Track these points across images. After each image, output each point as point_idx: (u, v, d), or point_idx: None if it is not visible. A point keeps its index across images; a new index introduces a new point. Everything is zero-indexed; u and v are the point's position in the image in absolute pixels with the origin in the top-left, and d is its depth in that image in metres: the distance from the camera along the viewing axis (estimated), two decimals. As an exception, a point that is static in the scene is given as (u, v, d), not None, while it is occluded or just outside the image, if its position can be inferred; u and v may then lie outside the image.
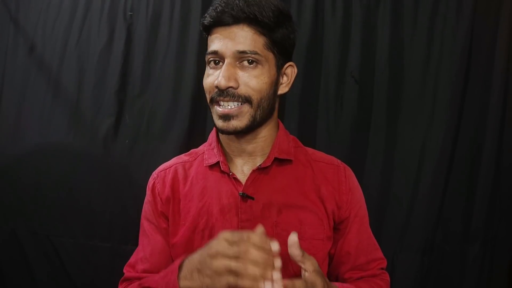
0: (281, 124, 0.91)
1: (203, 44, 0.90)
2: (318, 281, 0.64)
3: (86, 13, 1.38)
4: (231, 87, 0.77)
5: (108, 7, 1.37)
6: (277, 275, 0.61)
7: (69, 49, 1.38)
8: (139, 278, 0.86)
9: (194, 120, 1.36)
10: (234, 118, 0.79)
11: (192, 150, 0.94)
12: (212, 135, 0.91)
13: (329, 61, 1.34)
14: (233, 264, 0.61)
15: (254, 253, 0.61)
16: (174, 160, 0.93)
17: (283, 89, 0.87)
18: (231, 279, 0.61)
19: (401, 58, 1.33)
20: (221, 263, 0.62)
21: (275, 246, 0.63)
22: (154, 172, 0.92)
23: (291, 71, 0.87)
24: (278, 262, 0.63)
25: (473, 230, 1.34)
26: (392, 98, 1.33)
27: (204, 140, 0.94)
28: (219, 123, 0.80)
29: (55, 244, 1.36)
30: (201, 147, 0.94)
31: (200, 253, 0.68)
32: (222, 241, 0.64)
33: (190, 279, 0.68)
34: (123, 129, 1.37)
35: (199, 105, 1.36)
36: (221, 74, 0.77)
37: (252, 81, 0.78)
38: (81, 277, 1.36)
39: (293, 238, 0.65)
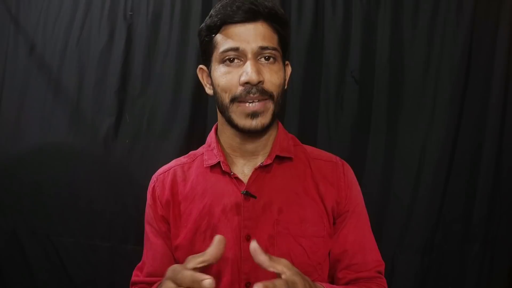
0: (280, 123, 0.91)
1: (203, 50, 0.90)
2: (298, 280, 0.61)
3: (86, 13, 1.38)
4: (260, 81, 0.77)
5: (108, 7, 1.37)
6: None
7: (70, 49, 1.38)
8: (144, 283, 0.88)
9: (194, 120, 1.36)
10: (261, 115, 0.79)
11: (190, 152, 0.94)
12: (211, 136, 0.90)
13: (329, 61, 1.34)
14: None
15: None
16: (173, 163, 0.93)
17: None
18: None
19: (402, 58, 1.33)
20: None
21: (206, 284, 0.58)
22: (153, 175, 0.92)
23: (287, 70, 0.89)
24: None
25: (473, 230, 1.34)
26: (392, 98, 1.33)
27: (204, 139, 0.94)
28: (246, 122, 0.79)
29: (55, 244, 1.36)
30: (199, 149, 0.93)
31: (171, 275, 0.66)
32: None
33: None
34: (123, 128, 1.37)
35: (199, 105, 1.36)
36: (250, 70, 0.76)
37: (274, 76, 0.79)
38: (81, 277, 1.36)
39: (253, 245, 0.61)
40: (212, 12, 0.82)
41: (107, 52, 1.37)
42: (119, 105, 1.36)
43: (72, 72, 1.38)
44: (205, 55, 0.85)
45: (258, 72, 0.77)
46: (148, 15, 1.36)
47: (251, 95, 0.77)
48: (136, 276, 0.91)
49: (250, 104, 0.78)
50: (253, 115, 0.78)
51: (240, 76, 0.77)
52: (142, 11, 1.37)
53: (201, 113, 1.37)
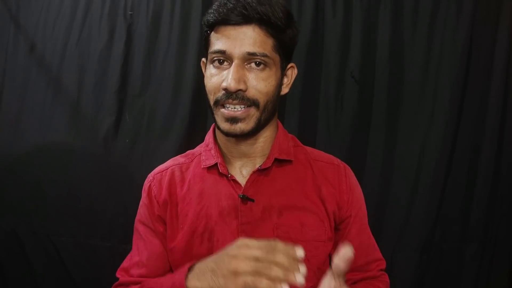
0: (280, 124, 0.89)
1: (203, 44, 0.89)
2: None
3: (86, 12, 1.37)
4: (240, 89, 0.74)
5: (108, 7, 1.36)
6: (300, 278, 0.58)
7: (70, 48, 1.38)
8: (136, 283, 0.84)
9: (194, 119, 1.36)
10: (241, 121, 0.76)
11: (188, 152, 0.92)
12: (209, 135, 0.88)
13: (329, 61, 1.34)
14: (258, 265, 0.59)
15: (280, 257, 0.59)
16: (170, 162, 0.91)
17: (283, 90, 0.86)
18: (249, 279, 0.58)
19: (401, 58, 1.34)
20: (243, 263, 0.60)
21: (300, 252, 0.61)
22: (149, 174, 0.90)
23: (291, 72, 0.87)
24: (302, 268, 0.59)
25: (471, 229, 1.35)
26: (392, 98, 1.34)
27: (204, 139, 0.94)
28: (225, 125, 0.77)
29: (56, 244, 1.36)
30: (197, 148, 0.91)
31: (217, 255, 0.65)
32: (244, 245, 0.62)
33: (201, 279, 0.65)
34: (123, 128, 1.37)
35: (199, 105, 1.36)
36: (230, 77, 0.74)
37: (260, 84, 0.76)
38: (82, 276, 1.36)
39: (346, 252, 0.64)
40: (211, 7, 0.79)
41: (107, 52, 1.36)
42: (119, 105, 1.36)
43: (72, 71, 1.37)
44: (205, 48, 0.83)
45: (239, 80, 0.74)
46: (148, 14, 1.36)
47: (231, 100, 0.75)
48: (123, 276, 0.87)
49: (230, 109, 0.76)
50: (233, 120, 0.76)
51: (223, 80, 0.75)
52: (142, 11, 1.36)
53: (201, 113, 1.37)
